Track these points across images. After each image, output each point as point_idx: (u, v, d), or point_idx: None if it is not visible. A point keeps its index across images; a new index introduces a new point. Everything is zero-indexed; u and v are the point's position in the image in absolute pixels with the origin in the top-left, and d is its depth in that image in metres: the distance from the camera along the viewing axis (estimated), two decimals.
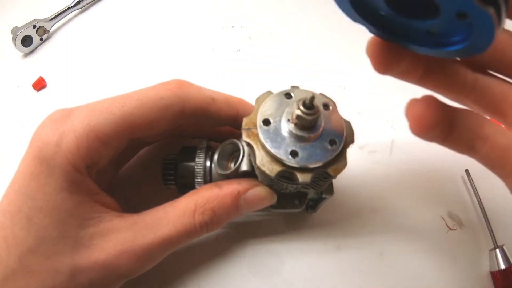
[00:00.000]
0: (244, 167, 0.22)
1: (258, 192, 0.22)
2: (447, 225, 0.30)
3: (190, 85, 0.22)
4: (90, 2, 0.43)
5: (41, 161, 0.18)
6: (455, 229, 0.30)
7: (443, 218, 0.31)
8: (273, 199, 0.23)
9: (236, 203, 0.21)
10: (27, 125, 0.33)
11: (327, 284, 0.27)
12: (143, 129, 0.21)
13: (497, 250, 0.28)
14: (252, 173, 0.22)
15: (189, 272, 0.26)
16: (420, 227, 0.30)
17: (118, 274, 0.20)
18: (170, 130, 0.23)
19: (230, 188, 0.21)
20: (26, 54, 0.39)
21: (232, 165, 0.24)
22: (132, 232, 0.20)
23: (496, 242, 0.29)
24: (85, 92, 0.36)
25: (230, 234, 0.28)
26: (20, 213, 0.18)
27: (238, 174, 0.23)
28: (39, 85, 0.36)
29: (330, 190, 0.25)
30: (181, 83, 0.22)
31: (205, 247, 0.27)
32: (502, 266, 0.27)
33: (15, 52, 0.38)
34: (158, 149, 0.28)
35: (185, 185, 0.24)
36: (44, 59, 0.39)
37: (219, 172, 0.23)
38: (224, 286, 0.26)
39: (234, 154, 0.24)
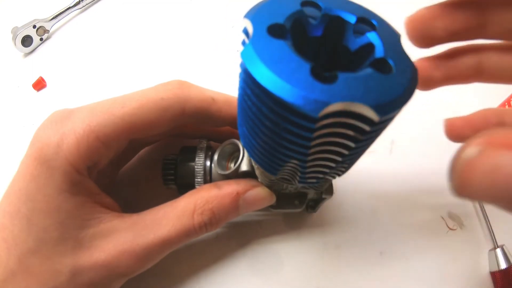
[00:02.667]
0: (244, 167, 0.22)
1: (258, 192, 0.22)
2: (447, 225, 0.30)
3: (190, 85, 0.22)
4: (90, 2, 0.43)
5: (42, 162, 0.18)
6: (455, 229, 0.30)
7: (443, 218, 0.31)
8: (272, 200, 0.23)
9: (235, 203, 0.21)
10: (27, 125, 0.33)
11: (327, 284, 0.27)
12: (144, 129, 0.21)
13: (497, 250, 0.28)
14: (252, 173, 0.22)
15: (189, 272, 0.26)
16: (420, 227, 0.30)
17: (118, 273, 0.20)
18: (170, 130, 0.23)
19: (229, 188, 0.21)
20: (26, 54, 0.39)
21: (232, 165, 0.24)
22: (132, 232, 0.20)
23: (496, 242, 0.29)
24: (85, 92, 0.36)
25: (230, 234, 0.28)
26: (20, 214, 0.18)
27: (238, 174, 0.23)
28: (39, 85, 0.36)
29: (330, 190, 0.25)
30: (181, 84, 0.22)
31: (205, 246, 0.27)
32: (502, 266, 0.27)
33: (15, 52, 0.38)
34: (158, 149, 0.28)
35: (185, 185, 0.24)
36: (44, 59, 0.39)
37: (219, 172, 0.23)
38: (224, 286, 0.26)
39: (234, 154, 0.24)
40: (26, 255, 0.18)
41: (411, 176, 0.32)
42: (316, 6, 0.15)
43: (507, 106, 0.32)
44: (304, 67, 0.12)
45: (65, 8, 0.41)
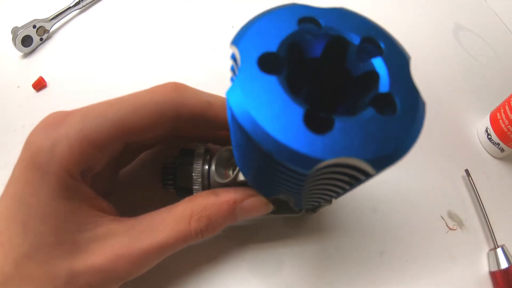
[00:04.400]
0: (242, 176, 0.22)
1: (255, 202, 0.22)
2: (447, 225, 0.30)
3: (186, 88, 0.22)
4: (90, 2, 0.43)
5: (35, 168, 0.18)
6: (455, 229, 0.30)
7: (443, 218, 0.31)
8: (270, 209, 0.23)
9: (232, 211, 0.21)
10: (27, 125, 0.33)
11: (327, 285, 0.27)
12: (138, 134, 0.21)
13: (497, 250, 0.28)
14: None
15: (189, 273, 0.26)
16: (420, 227, 0.30)
17: (114, 277, 0.20)
18: (167, 133, 0.22)
19: (226, 196, 0.21)
20: (26, 54, 0.39)
21: (231, 172, 0.23)
22: (128, 236, 0.20)
23: (496, 242, 0.29)
24: (85, 92, 0.35)
25: (230, 236, 0.28)
26: (16, 219, 0.18)
27: (236, 183, 0.22)
28: (39, 85, 0.36)
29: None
30: (177, 87, 0.21)
31: (205, 248, 0.27)
32: (502, 266, 0.27)
33: (15, 52, 0.38)
34: (158, 152, 0.28)
35: (184, 189, 0.24)
36: (44, 59, 0.39)
37: (217, 180, 0.23)
38: (223, 287, 0.26)
39: (231, 160, 0.24)
40: (23, 259, 0.18)
41: (411, 176, 0.32)
42: (316, 22, 0.13)
43: (507, 106, 0.32)
44: (296, 112, 0.11)
45: (65, 8, 0.41)
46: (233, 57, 0.12)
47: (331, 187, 0.14)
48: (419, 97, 0.12)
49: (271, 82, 0.11)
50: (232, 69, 0.13)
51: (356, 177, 0.12)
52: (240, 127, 0.11)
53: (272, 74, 0.11)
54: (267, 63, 0.12)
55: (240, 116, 0.11)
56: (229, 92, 0.12)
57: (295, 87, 0.12)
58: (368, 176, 0.12)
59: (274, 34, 0.12)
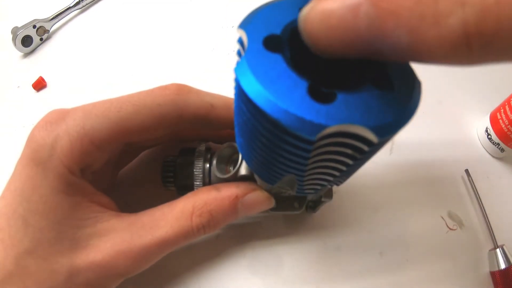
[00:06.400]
0: (243, 171, 0.22)
1: (257, 196, 0.22)
2: (447, 225, 0.30)
3: (189, 90, 0.22)
4: (90, 2, 0.43)
5: (36, 163, 0.18)
6: (455, 229, 0.30)
7: (443, 218, 0.31)
8: (271, 204, 0.23)
9: (234, 207, 0.21)
10: (27, 125, 0.33)
11: (327, 284, 0.27)
12: (139, 135, 0.21)
13: (497, 250, 0.28)
14: (250, 177, 0.22)
15: (189, 272, 0.26)
16: (420, 227, 0.30)
17: (115, 274, 0.20)
18: (168, 134, 0.22)
19: (228, 191, 0.21)
20: (26, 54, 0.39)
21: (231, 168, 0.23)
22: (129, 232, 0.20)
23: (496, 242, 0.29)
24: (85, 92, 0.36)
25: (230, 234, 0.28)
26: (16, 214, 0.18)
27: (236, 178, 0.22)
28: (39, 85, 0.36)
29: (329, 194, 0.25)
30: (180, 89, 0.21)
31: (205, 246, 0.27)
32: (502, 266, 0.27)
33: (15, 52, 0.38)
34: (159, 150, 0.28)
35: (184, 186, 0.24)
36: (44, 59, 0.39)
37: (218, 176, 0.23)
38: (224, 286, 0.26)
39: (232, 157, 0.24)
40: (23, 255, 0.18)
41: (411, 176, 0.32)
42: None
43: (507, 106, 0.32)
44: (301, 85, 0.11)
45: (65, 8, 0.41)
46: (240, 41, 0.13)
47: (334, 164, 0.14)
48: (415, 77, 0.13)
49: (276, 59, 0.12)
50: (239, 53, 0.14)
51: (359, 149, 0.12)
52: (248, 100, 0.12)
53: (276, 52, 0.12)
54: (272, 43, 0.13)
55: (248, 88, 0.12)
56: (237, 67, 0.12)
57: (297, 69, 0.12)
58: (370, 146, 0.12)
59: (277, 20, 0.13)
